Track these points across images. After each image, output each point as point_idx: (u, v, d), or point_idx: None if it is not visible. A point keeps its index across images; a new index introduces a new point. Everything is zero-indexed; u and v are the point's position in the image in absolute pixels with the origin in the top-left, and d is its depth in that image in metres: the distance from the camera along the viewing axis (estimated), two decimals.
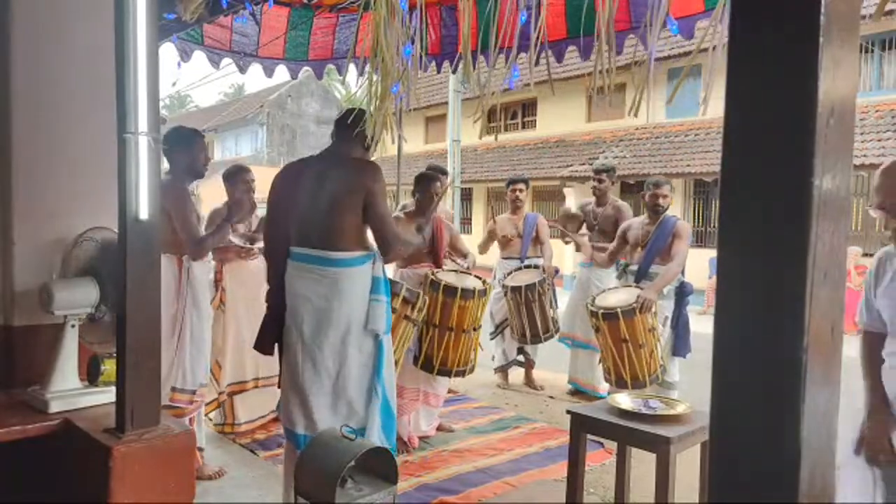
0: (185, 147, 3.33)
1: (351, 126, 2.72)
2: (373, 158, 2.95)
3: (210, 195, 3.42)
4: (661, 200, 4.43)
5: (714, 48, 1.42)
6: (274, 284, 2.85)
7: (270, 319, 2.87)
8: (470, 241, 5.20)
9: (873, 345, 2.16)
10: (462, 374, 4.06)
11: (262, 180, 4.44)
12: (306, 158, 3.01)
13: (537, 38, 1.87)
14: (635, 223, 4.61)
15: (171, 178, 3.31)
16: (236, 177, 4.11)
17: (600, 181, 5.26)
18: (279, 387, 2.93)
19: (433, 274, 3.95)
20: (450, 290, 3.87)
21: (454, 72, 4.40)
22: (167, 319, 3.13)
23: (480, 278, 4.14)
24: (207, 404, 3.79)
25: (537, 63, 3.75)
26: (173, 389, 3.19)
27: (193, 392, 3.26)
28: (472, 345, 4.06)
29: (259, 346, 3.00)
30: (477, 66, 3.84)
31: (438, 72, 4.74)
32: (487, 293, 4.05)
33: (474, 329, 4.02)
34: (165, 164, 4.42)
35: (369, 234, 2.83)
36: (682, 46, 12.59)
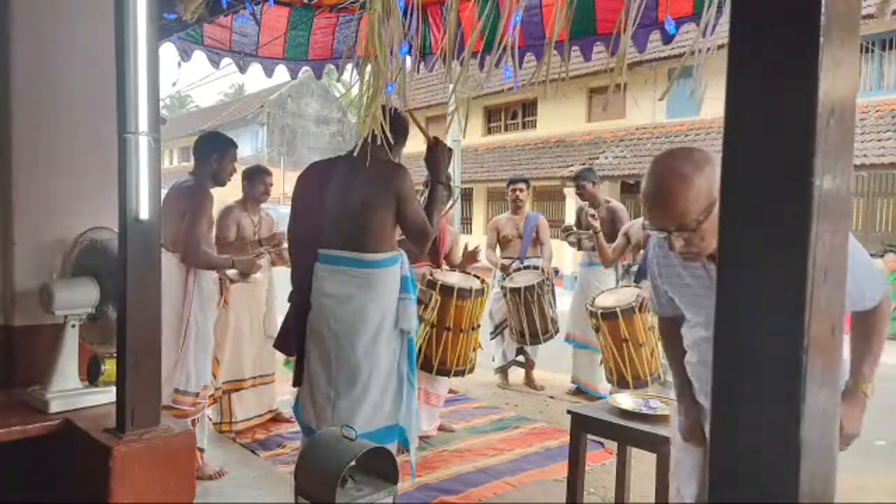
0: (219, 154, 3.36)
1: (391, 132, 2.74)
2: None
3: (220, 192, 3.42)
4: None
5: (700, 51, 1.43)
6: (298, 285, 2.85)
7: (294, 320, 2.88)
8: (470, 241, 5.19)
9: (670, 330, 2.06)
10: (461, 373, 4.06)
11: None
12: (333, 160, 3.00)
13: (513, 38, 1.87)
14: (637, 224, 4.60)
15: (195, 181, 3.32)
16: (256, 178, 4.16)
17: (581, 188, 5.25)
18: (294, 385, 2.92)
19: (431, 273, 3.95)
20: (446, 290, 3.87)
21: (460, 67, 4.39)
22: (174, 319, 3.14)
23: (479, 278, 4.13)
24: None
25: (521, 65, 3.75)
26: (176, 391, 3.18)
27: (196, 394, 3.26)
28: (471, 344, 4.06)
29: (280, 345, 3.00)
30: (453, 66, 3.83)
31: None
32: (485, 293, 4.05)
33: (473, 328, 4.02)
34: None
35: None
36: (682, 47, 12.58)
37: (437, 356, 3.91)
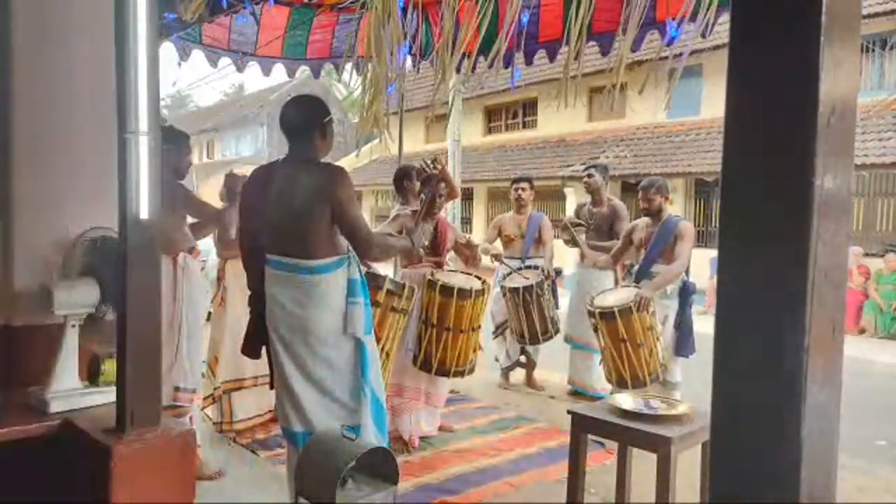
0: (175, 148, 3.32)
1: (307, 124, 2.72)
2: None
3: (211, 195, 3.43)
4: (644, 204, 4.46)
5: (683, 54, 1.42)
6: (254, 290, 2.86)
7: (254, 324, 2.89)
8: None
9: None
10: (461, 374, 4.05)
11: None
12: (273, 163, 2.95)
13: (519, 37, 1.88)
14: (640, 224, 4.61)
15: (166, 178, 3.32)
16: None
17: (590, 176, 5.28)
18: (272, 387, 2.93)
19: (431, 274, 3.95)
20: (446, 290, 3.86)
21: (457, 71, 4.40)
22: (166, 320, 3.15)
23: (480, 278, 4.12)
24: (203, 399, 3.81)
25: (529, 63, 3.76)
26: (176, 389, 3.21)
27: (194, 390, 3.29)
28: (472, 345, 4.05)
29: (245, 349, 3.00)
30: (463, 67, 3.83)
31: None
32: (485, 293, 4.03)
33: (473, 329, 4.01)
34: None
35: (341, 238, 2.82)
36: (683, 46, 12.58)
37: (436, 356, 3.91)
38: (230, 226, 3.59)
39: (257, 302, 2.84)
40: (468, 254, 4.40)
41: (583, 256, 5.05)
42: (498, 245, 5.63)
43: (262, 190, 2.80)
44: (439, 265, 4.17)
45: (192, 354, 3.29)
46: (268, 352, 2.87)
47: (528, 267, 5.28)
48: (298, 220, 2.67)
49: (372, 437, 2.68)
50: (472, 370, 4.13)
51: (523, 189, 5.50)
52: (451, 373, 3.97)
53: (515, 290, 5.02)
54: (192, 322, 3.31)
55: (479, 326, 4.11)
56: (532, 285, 4.98)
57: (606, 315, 4.05)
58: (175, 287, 3.24)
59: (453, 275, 4.12)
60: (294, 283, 2.69)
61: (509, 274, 5.26)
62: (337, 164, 2.93)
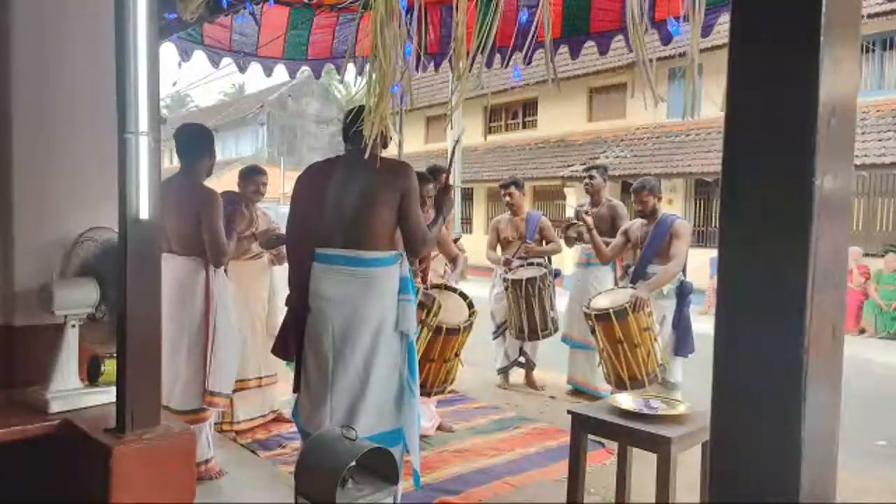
0: (211, 147, 3.37)
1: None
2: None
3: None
4: (638, 206, 4.46)
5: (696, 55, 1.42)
6: (297, 287, 2.81)
7: (293, 323, 2.84)
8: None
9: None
10: (442, 391, 3.99)
11: None
12: (331, 159, 2.94)
13: (532, 37, 1.87)
14: (636, 223, 4.61)
15: (192, 179, 3.30)
16: (248, 178, 4.21)
17: (591, 177, 5.28)
18: (295, 390, 2.89)
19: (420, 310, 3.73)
20: (436, 329, 3.68)
21: (488, 66, 4.39)
22: (200, 321, 3.20)
23: (466, 298, 3.96)
24: None
25: (529, 62, 3.76)
26: (212, 394, 3.23)
27: (228, 395, 3.33)
28: (453, 368, 3.94)
29: (279, 350, 2.98)
30: (471, 66, 3.83)
31: (437, 71, 4.74)
32: (472, 326, 3.88)
33: (456, 355, 3.90)
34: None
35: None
36: (682, 46, 12.60)
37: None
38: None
39: (298, 300, 2.79)
40: (448, 268, 4.32)
41: (599, 252, 4.93)
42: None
43: (320, 185, 2.77)
44: (420, 260, 3.95)
45: (230, 357, 3.30)
46: (297, 353, 2.83)
47: (531, 264, 5.28)
48: (365, 211, 2.65)
49: (416, 437, 2.72)
50: (452, 381, 4.06)
51: (511, 194, 5.47)
52: (431, 393, 3.90)
53: (518, 282, 5.00)
54: (226, 325, 3.30)
55: (463, 347, 3.96)
56: (535, 277, 4.96)
57: (602, 317, 4.05)
58: (207, 290, 3.24)
59: (440, 299, 3.89)
60: (351, 277, 2.66)
61: (511, 269, 5.24)
62: None
